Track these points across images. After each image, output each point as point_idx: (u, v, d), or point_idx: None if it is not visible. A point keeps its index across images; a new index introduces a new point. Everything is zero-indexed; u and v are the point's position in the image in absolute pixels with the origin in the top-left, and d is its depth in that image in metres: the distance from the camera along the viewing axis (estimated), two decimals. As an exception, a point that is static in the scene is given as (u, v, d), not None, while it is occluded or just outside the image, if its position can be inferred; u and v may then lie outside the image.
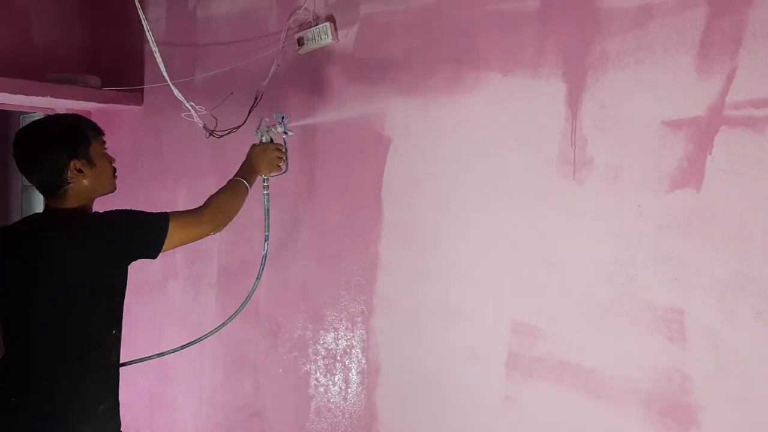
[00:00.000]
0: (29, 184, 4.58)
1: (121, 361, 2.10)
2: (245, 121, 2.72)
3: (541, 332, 2.18)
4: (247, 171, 2.30)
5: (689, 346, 1.88)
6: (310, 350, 2.90)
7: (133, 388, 3.76)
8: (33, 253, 1.87)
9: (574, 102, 2.10)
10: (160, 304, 3.64)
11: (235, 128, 2.73)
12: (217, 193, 2.18)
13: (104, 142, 2.04)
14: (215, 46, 3.25)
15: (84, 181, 1.94)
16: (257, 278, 2.53)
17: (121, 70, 3.83)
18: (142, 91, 3.70)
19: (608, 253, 2.03)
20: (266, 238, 2.52)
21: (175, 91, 2.38)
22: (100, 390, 1.98)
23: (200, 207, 2.11)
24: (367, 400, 2.70)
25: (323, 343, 2.85)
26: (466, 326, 2.37)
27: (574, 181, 2.10)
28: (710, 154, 1.84)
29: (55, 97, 3.54)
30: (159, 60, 2.40)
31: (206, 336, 2.60)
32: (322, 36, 2.69)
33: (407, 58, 2.52)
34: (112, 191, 2.06)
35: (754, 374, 1.78)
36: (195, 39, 3.36)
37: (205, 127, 2.65)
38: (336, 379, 2.81)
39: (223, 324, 2.59)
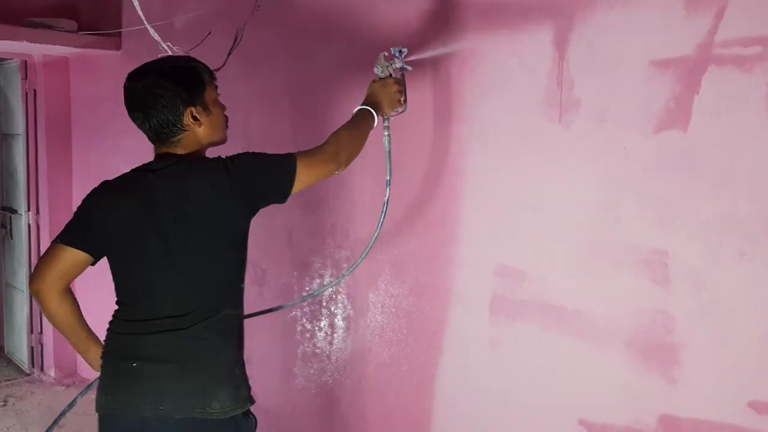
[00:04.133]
0: (9, 132, 4.45)
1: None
2: (224, 62, 2.67)
3: (525, 275, 2.19)
4: (371, 105, 2.09)
5: (673, 287, 1.88)
6: (295, 297, 2.90)
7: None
8: (164, 198, 1.76)
9: (561, 42, 2.06)
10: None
11: (215, 70, 2.66)
12: (339, 129, 2.00)
13: (217, 87, 1.91)
14: (195, -12, 3.16)
15: (200, 129, 1.82)
16: (379, 225, 2.31)
17: (98, 14, 3.73)
18: (120, 35, 3.61)
19: (594, 195, 2.02)
20: (388, 183, 2.29)
21: (151, 31, 2.32)
22: (234, 347, 1.87)
23: (323, 145, 1.94)
24: (352, 344, 2.71)
25: (309, 289, 2.85)
26: (451, 270, 2.37)
27: (560, 124, 2.07)
28: (698, 94, 1.81)
29: (31, 42, 3.46)
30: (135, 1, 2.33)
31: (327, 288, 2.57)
32: (305, -28, 2.60)
33: (391, -2, 2.46)
34: (224, 142, 1.92)
35: (736, 314, 1.79)
36: (173, -20, 3.27)
37: (184, 70, 2.57)
38: (322, 325, 2.82)
39: (350, 271, 2.48)
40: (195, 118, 1.81)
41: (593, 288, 2.04)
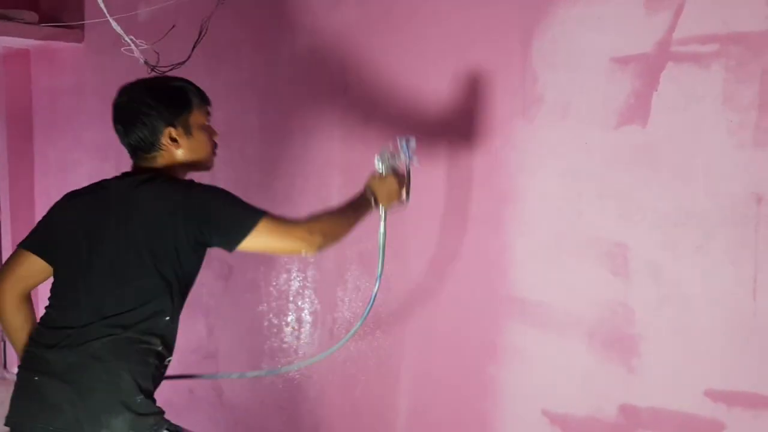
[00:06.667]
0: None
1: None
2: (189, 56, 2.65)
3: (489, 267, 2.21)
4: (369, 195, 1.96)
5: (632, 279, 1.92)
6: (262, 292, 2.89)
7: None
8: (114, 204, 1.74)
9: (526, 38, 2.08)
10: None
11: (179, 64, 2.65)
12: (324, 211, 1.87)
13: (209, 113, 1.88)
14: (158, -20, 3.12)
15: (177, 151, 1.79)
16: (362, 318, 2.10)
17: (60, 6, 3.67)
18: (82, 27, 3.55)
19: (556, 189, 2.05)
20: (378, 276, 2.08)
21: (113, 24, 2.29)
22: (139, 375, 1.70)
23: (300, 219, 1.80)
24: (320, 339, 2.71)
25: (275, 284, 2.85)
26: (417, 262, 2.39)
27: (523, 118, 2.10)
28: (656, 90, 1.85)
29: (-11, 34, 3.39)
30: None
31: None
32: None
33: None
34: (207, 168, 1.87)
35: (693, 306, 1.83)
36: (137, -28, 3.22)
37: (146, 62, 2.56)
38: (289, 320, 2.81)
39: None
40: (173, 140, 1.78)
41: (555, 280, 2.07)
